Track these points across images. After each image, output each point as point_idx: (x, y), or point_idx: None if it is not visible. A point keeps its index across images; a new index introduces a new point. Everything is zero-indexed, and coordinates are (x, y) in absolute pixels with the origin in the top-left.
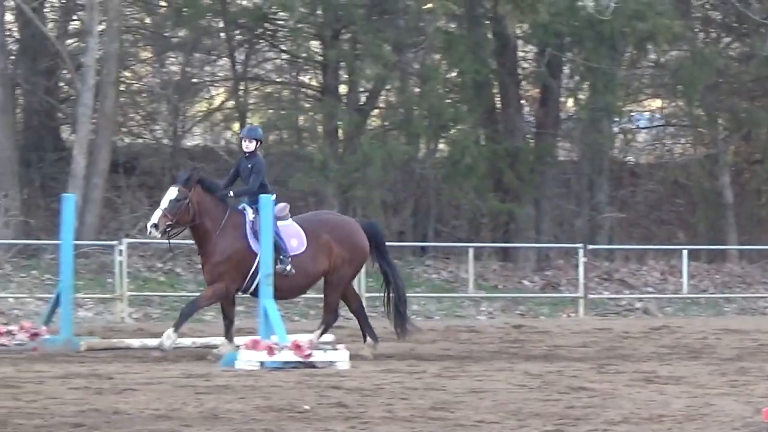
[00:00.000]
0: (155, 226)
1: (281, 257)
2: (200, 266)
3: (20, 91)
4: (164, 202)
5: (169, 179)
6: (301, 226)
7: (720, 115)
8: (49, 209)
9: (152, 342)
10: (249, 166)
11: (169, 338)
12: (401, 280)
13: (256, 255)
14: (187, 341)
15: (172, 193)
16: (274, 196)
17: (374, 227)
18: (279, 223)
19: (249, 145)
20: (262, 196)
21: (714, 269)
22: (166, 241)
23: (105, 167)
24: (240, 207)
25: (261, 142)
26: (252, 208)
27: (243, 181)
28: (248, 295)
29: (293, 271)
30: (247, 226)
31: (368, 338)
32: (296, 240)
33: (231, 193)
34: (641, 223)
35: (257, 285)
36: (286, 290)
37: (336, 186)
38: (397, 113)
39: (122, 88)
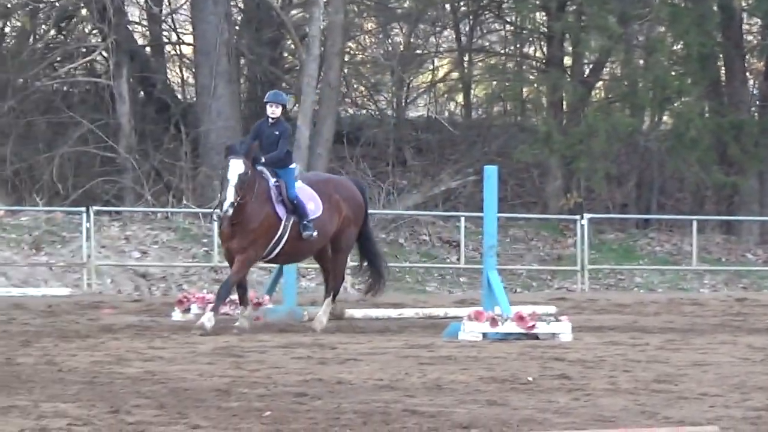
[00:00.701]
0: (233, 204)
1: (305, 223)
2: (225, 234)
3: (244, 61)
4: (233, 178)
5: (229, 150)
6: (310, 187)
7: None
8: None
9: (375, 313)
10: (276, 132)
11: (210, 321)
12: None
13: (281, 220)
14: (410, 312)
15: (239, 167)
16: (295, 165)
17: (363, 187)
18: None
19: (275, 111)
20: (486, 168)
21: None
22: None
23: (329, 138)
24: (259, 171)
25: (285, 107)
26: (272, 172)
27: (264, 147)
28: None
29: (315, 234)
30: (273, 192)
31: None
32: (313, 203)
33: (263, 160)
34: None
35: (277, 253)
36: (306, 252)
37: (559, 158)
38: (621, 85)
39: (346, 58)
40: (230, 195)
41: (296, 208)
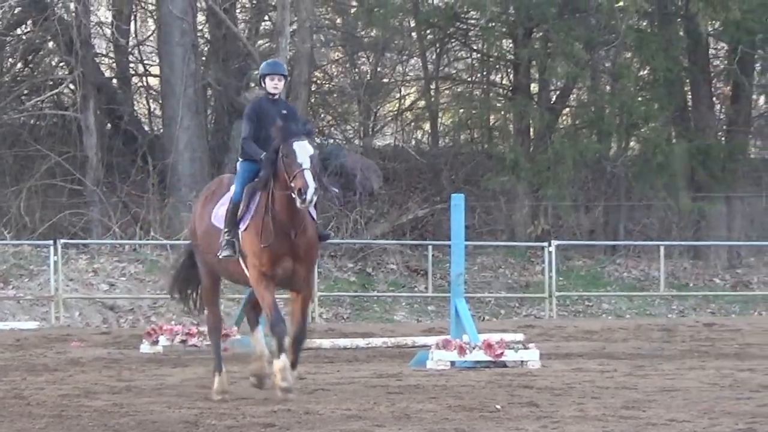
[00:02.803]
0: (317, 192)
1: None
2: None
3: (211, 92)
4: (306, 161)
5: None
6: None
7: None
8: None
9: (343, 342)
10: (284, 111)
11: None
12: None
13: None
14: (378, 341)
15: (308, 148)
16: None
17: None
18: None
19: (278, 84)
20: (453, 196)
21: None
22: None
23: None
24: None
25: (287, 79)
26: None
27: (267, 130)
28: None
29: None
30: None
31: None
32: None
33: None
34: None
35: None
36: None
37: (527, 185)
38: (588, 111)
39: (313, 88)
40: (310, 180)
41: None
